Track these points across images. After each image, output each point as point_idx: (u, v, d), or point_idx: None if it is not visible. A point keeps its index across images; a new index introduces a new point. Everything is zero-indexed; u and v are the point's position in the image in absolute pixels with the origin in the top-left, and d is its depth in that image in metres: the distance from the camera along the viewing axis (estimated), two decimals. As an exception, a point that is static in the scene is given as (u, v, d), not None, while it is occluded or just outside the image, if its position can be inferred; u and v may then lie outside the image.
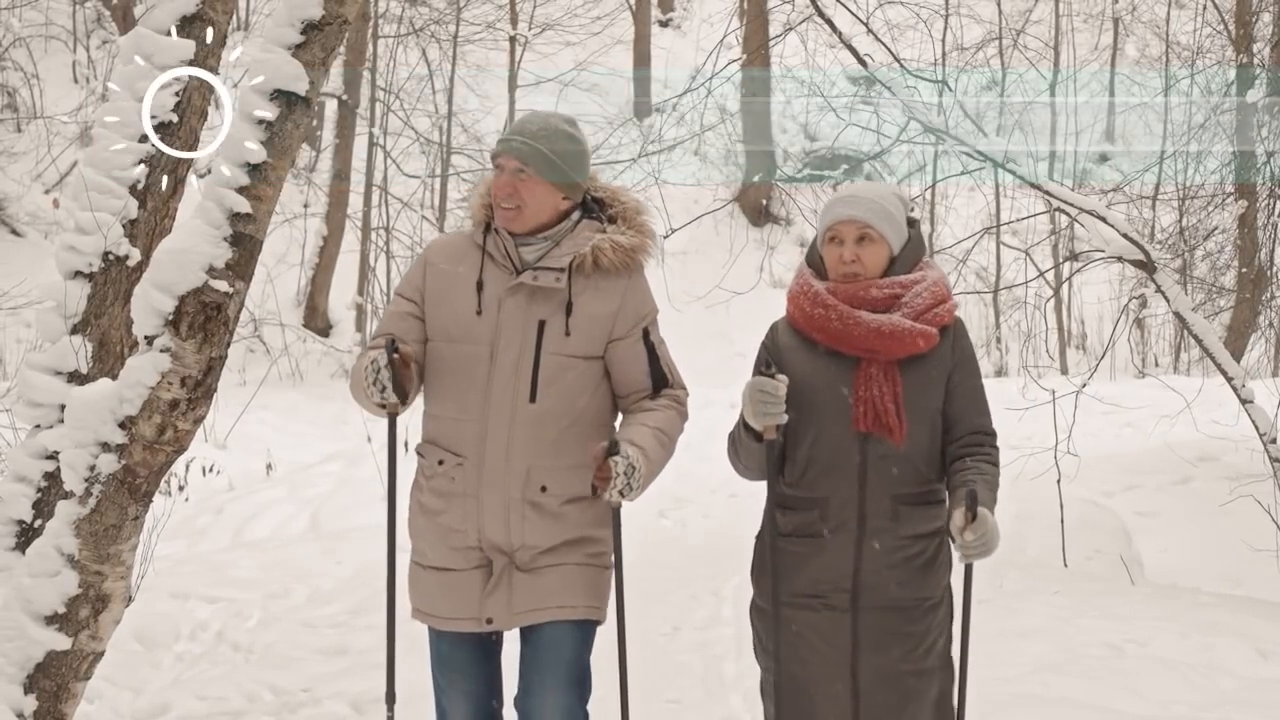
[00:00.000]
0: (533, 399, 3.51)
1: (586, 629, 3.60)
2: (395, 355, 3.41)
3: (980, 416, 3.58)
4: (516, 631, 3.63)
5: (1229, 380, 7.45)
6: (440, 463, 3.58)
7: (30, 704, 3.83)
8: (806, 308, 3.57)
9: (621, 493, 3.44)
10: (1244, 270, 12.39)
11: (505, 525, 3.52)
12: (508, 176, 3.57)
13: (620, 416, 3.68)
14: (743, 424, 3.51)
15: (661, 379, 3.64)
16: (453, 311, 3.58)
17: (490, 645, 3.66)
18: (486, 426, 3.52)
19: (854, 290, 3.54)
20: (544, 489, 3.53)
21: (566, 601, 3.55)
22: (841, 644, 3.52)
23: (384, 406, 3.50)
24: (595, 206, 3.68)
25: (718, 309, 11.85)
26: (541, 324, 3.53)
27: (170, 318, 3.61)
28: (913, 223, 3.68)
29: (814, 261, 3.67)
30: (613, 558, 3.64)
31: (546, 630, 3.55)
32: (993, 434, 3.59)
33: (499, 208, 3.57)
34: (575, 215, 3.63)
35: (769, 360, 3.52)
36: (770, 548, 3.57)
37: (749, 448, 3.54)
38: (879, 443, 3.49)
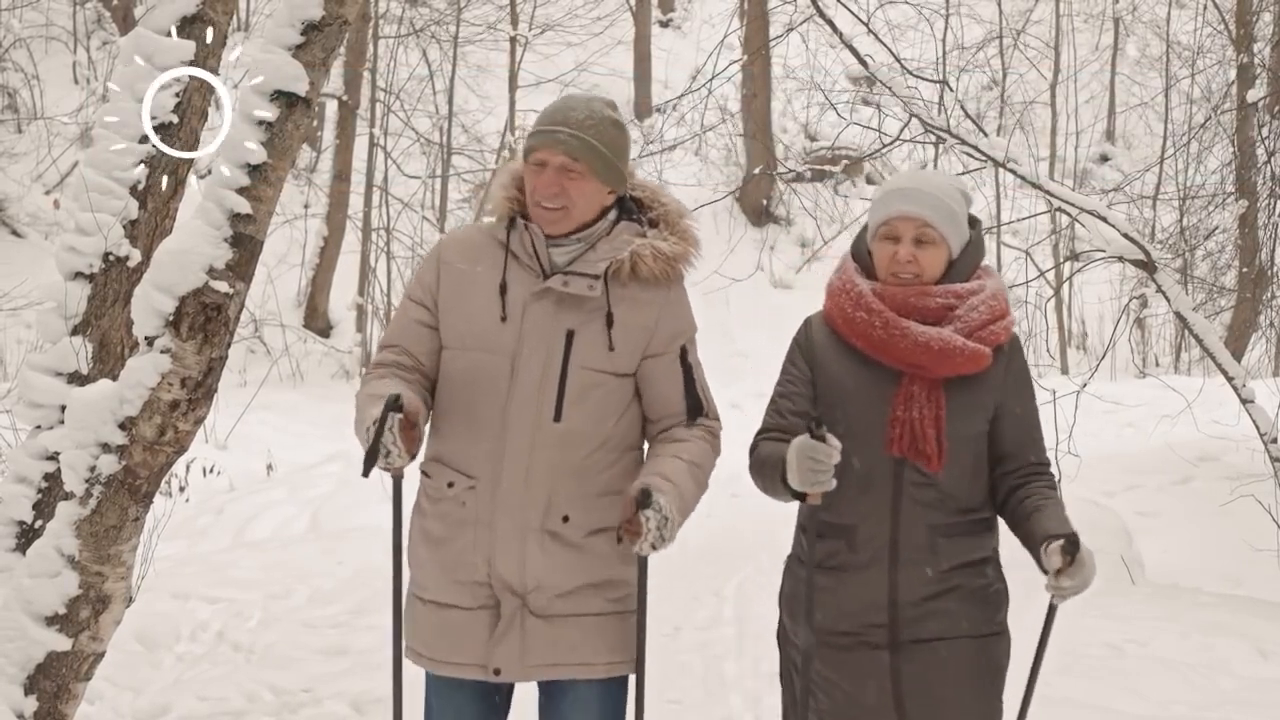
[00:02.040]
0: (557, 418, 3.12)
1: (613, 687, 3.26)
2: (400, 415, 3.01)
3: (1036, 449, 3.23)
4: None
5: (1230, 380, 7.44)
6: (450, 485, 3.20)
7: (30, 705, 3.83)
8: (848, 309, 3.18)
9: (653, 545, 3.06)
10: (1245, 270, 12.39)
11: (520, 559, 3.14)
12: (553, 174, 3.13)
13: (647, 443, 3.31)
14: (781, 476, 3.08)
15: (696, 405, 3.24)
16: (470, 317, 3.19)
17: (497, 698, 3.29)
18: (504, 446, 3.13)
19: (904, 296, 3.14)
20: (566, 519, 3.16)
21: (588, 658, 3.19)
22: (880, 684, 3.15)
23: (386, 469, 3.10)
24: (634, 206, 3.26)
25: (716, 300, 11.83)
26: (570, 334, 3.13)
27: (170, 318, 3.60)
28: (974, 222, 3.26)
29: (860, 255, 3.27)
30: (637, 601, 3.26)
31: (568, 690, 3.22)
32: (1047, 463, 3.25)
33: (540, 208, 3.15)
34: (612, 215, 3.22)
35: (819, 419, 3.01)
36: (805, 581, 3.17)
37: (782, 497, 3.15)
38: (915, 468, 3.13)
